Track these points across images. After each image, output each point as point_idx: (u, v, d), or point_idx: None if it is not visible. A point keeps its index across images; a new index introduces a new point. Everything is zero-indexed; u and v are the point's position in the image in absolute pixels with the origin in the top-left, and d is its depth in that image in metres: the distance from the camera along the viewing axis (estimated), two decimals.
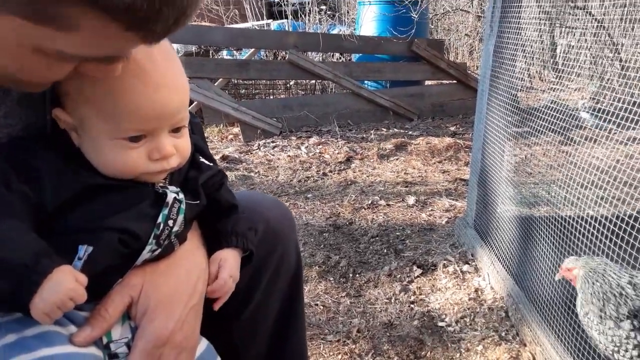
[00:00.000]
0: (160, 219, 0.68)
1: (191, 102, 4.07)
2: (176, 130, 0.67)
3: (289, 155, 3.59)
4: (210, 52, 4.73)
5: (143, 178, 0.67)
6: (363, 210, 2.66)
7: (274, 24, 5.38)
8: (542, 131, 1.56)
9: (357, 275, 2.02)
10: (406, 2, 4.30)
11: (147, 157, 0.65)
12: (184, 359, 0.71)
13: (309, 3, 5.88)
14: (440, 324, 1.69)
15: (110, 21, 0.47)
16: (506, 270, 1.80)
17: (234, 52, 5.27)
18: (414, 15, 4.21)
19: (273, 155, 3.62)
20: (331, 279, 1.99)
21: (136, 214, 0.66)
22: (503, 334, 1.61)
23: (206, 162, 0.78)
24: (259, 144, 3.81)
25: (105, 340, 0.66)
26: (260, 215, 0.86)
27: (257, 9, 5.37)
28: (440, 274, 1.99)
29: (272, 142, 3.88)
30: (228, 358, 0.82)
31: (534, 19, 1.77)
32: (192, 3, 0.50)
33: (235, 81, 4.84)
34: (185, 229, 0.74)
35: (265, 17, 5.50)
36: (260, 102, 4.47)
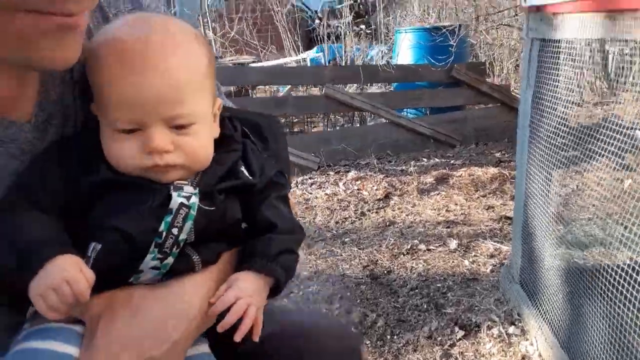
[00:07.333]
0: (162, 227, 0.61)
1: None
2: (179, 127, 0.62)
3: (326, 194, 3.55)
4: (250, 91, 4.80)
5: (147, 175, 0.63)
6: (402, 256, 2.57)
7: (309, 55, 5.41)
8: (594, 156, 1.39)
9: (395, 337, 1.94)
10: (444, 30, 4.21)
11: (141, 149, 0.62)
12: None
13: (347, 24, 5.86)
14: None
15: None
16: (555, 337, 1.66)
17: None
18: (453, 43, 4.10)
19: (311, 193, 3.60)
20: (368, 342, 1.92)
21: (137, 215, 0.62)
22: None
23: (246, 173, 0.68)
24: (296, 182, 3.80)
25: None
26: (318, 345, 0.74)
27: (293, 43, 5.42)
28: (484, 337, 1.87)
29: (310, 178, 3.85)
30: None
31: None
32: None
33: None
34: (211, 245, 0.65)
35: (302, 50, 5.55)
36: (298, 138, 4.48)
